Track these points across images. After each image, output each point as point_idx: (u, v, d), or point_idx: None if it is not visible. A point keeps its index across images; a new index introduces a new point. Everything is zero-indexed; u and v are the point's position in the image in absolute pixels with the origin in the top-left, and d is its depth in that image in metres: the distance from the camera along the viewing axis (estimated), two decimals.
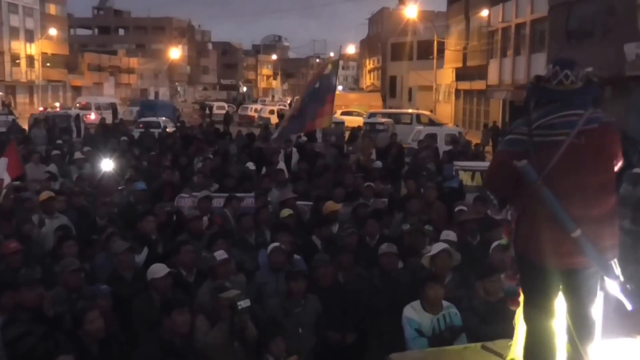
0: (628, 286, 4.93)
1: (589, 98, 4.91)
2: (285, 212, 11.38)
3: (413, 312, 7.65)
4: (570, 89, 4.87)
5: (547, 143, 4.79)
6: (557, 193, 4.75)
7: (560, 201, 4.74)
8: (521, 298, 5.33)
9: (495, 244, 8.82)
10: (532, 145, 4.81)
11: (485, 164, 16.49)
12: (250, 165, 17.24)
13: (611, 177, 5.02)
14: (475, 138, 35.49)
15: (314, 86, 18.73)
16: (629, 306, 4.92)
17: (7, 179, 12.32)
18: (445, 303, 7.80)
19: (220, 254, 8.56)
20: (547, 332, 5.05)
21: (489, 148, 32.97)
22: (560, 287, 5.00)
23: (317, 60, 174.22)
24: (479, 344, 6.35)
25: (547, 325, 5.05)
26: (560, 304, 5.06)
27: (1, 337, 6.97)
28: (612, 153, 4.98)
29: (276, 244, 9.27)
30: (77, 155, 18.50)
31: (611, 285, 4.90)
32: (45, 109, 58.36)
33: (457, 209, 11.58)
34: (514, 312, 5.74)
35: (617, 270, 4.88)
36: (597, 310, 5.14)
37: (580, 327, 4.98)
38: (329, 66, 19.35)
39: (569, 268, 4.90)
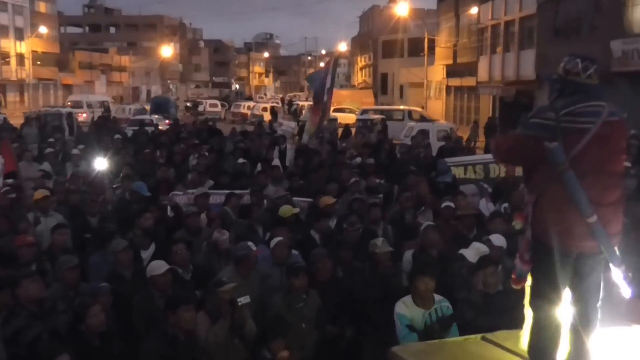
0: (630, 274, 5.06)
1: (605, 93, 5.14)
2: (287, 210, 11.39)
3: (404, 308, 7.66)
4: (595, 83, 5.09)
5: (574, 129, 4.93)
6: (579, 177, 4.88)
7: (580, 185, 4.88)
8: (528, 285, 5.45)
9: (491, 237, 8.91)
10: (560, 130, 4.94)
11: (476, 158, 16.60)
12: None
13: (622, 168, 5.23)
14: (466, 134, 35.65)
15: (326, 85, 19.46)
16: (628, 293, 5.07)
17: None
18: (437, 297, 7.81)
19: (253, 245, 8.67)
20: (552, 320, 5.16)
21: (480, 144, 33.09)
22: (571, 273, 5.11)
23: (309, 57, 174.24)
24: (479, 336, 6.39)
25: (552, 313, 5.16)
26: (566, 292, 5.17)
27: (1, 333, 7.02)
28: (624, 146, 5.21)
29: (280, 238, 9.33)
30: (75, 151, 18.59)
31: (614, 272, 5.04)
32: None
33: (443, 205, 11.73)
34: (512, 304, 5.85)
35: (620, 258, 5.04)
36: (599, 298, 5.26)
37: (584, 315, 5.11)
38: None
39: (581, 252, 5.05)
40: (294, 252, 9.68)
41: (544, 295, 5.18)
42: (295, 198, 12.68)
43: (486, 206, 12.71)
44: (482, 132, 36.90)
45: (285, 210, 11.33)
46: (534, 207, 5.17)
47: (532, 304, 5.35)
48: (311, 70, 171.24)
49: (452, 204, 11.54)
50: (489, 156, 16.04)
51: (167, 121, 39.93)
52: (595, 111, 4.98)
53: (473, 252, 8.64)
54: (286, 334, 7.40)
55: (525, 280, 5.46)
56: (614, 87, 25.43)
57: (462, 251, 8.78)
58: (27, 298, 7.38)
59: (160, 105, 53.48)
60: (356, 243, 10.09)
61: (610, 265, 5.04)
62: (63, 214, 11.83)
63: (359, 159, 18.15)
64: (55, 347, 6.60)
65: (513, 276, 5.53)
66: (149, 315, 7.72)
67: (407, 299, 7.73)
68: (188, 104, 72.14)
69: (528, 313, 5.54)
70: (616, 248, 5.03)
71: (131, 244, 9.39)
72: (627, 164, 15.50)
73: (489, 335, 6.31)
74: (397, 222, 11.92)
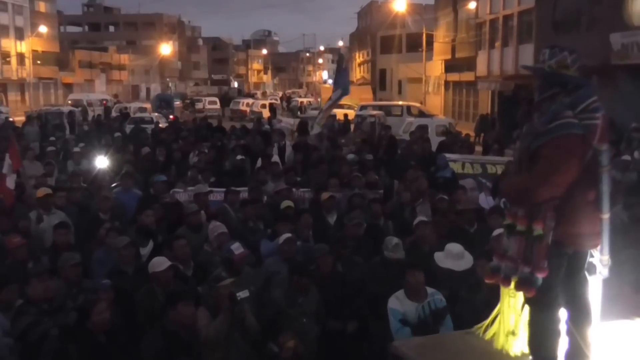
0: (610, 260, 5.13)
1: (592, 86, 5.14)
2: (285, 203, 11.54)
3: (397, 302, 7.75)
4: (578, 75, 5.08)
5: (591, 125, 4.92)
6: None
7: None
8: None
9: (496, 232, 8.94)
10: (583, 127, 4.90)
11: (474, 157, 16.65)
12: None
13: None
14: (465, 129, 35.66)
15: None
16: (604, 274, 5.16)
17: (11, 177, 12.40)
18: (430, 290, 7.91)
19: (237, 247, 8.68)
20: (553, 319, 5.17)
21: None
22: (566, 270, 5.13)
23: (307, 54, 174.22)
24: None
25: (554, 312, 5.17)
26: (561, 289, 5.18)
27: (10, 331, 7.08)
28: None
29: (289, 235, 9.41)
30: (76, 149, 18.67)
31: (598, 259, 5.13)
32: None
33: (437, 197, 11.77)
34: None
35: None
36: (594, 293, 5.30)
37: (580, 310, 5.15)
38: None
39: (588, 249, 5.12)
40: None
41: (552, 297, 5.16)
42: (295, 188, 12.83)
43: (486, 200, 12.76)
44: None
45: (283, 203, 11.53)
46: (557, 211, 4.97)
47: (530, 302, 5.30)
48: (310, 67, 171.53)
49: (445, 196, 11.62)
50: (486, 158, 16.15)
51: (171, 117, 42.71)
52: (600, 106, 5.00)
53: (444, 254, 8.71)
54: (288, 328, 7.48)
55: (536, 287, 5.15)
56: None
57: (436, 254, 8.82)
58: (35, 296, 7.47)
59: (165, 102, 57.37)
60: (360, 238, 10.18)
61: (597, 252, 5.12)
62: (71, 211, 11.90)
63: (352, 155, 18.17)
64: (62, 344, 6.70)
65: (520, 284, 5.20)
66: (152, 311, 7.78)
67: (400, 293, 7.83)
68: (187, 101, 72.59)
69: (526, 310, 5.54)
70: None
71: (133, 241, 9.44)
72: (627, 157, 15.59)
73: None
74: (396, 217, 11.97)
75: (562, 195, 4.90)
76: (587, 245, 5.09)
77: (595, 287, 5.35)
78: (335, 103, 22.71)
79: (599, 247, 5.11)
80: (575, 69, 5.06)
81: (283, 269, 8.99)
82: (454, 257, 8.65)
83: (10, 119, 38.32)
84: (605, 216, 4.96)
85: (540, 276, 5.02)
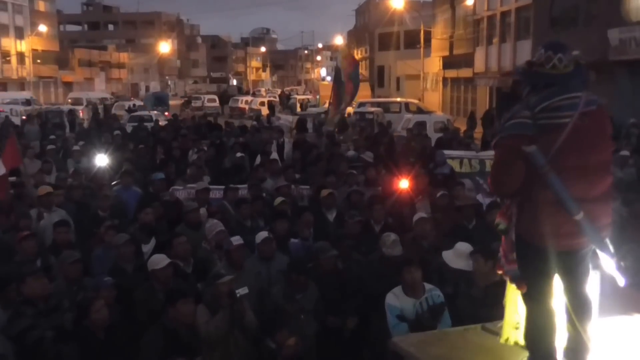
0: (622, 263, 5.10)
1: (581, 81, 4.96)
2: (278, 199, 11.59)
3: (394, 298, 7.74)
4: (563, 72, 4.88)
5: (552, 125, 4.78)
6: (561, 175, 4.77)
7: (564, 183, 4.77)
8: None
9: None
10: (538, 128, 4.78)
11: (472, 153, 16.64)
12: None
13: (610, 157, 5.15)
14: (463, 125, 35.66)
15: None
16: (622, 282, 5.03)
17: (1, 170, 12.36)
18: (428, 286, 7.90)
19: (237, 239, 8.72)
20: (546, 313, 5.13)
21: (476, 134, 33.08)
22: (557, 269, 5.06)
23: (306, 51, 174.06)
24: (479, 325, 6.39)
25: (546, 306, 5.13)
26: (557, 285, 5.14)
27: (7, 332, 7.02)
28: (609, 134, 5.08)
29: (265, 233, 9.34)
30: (76, 148, 18.70)
31: (606, 263, 4.99)
32: None
33: (439, 194, 11.79)
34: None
35: (612, 248, 4.97)
36: (592, 289, 5.26)
37: (578, 306, 5.07)
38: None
39: (568, 250, 4.98)
40: (293, 240, 9.82)
41: (535, 291, 5.16)
42: (294, 185, 12.88)
43: (483, 201, 12.77)
44: (479, 124, 36.84)
45: (276, 200, 11.59)
46: (519, 208, 5.08)
47: (525, 300, 5.31)
48: (308, 65, 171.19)
49: (446, 192, 11.65)
50: (485, 153, 16.15)
51: (166, 113, 43.08)
52: (571, 104, 4.81)
53: (453, 254, 8.64)
54: (287, 325, 7.52)
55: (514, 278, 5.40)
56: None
57: (444, 254, 8.78)
58: (31, 295, 7.45)
59: (160, 100, 57.72)
60: (359, 235, 10.20)
61: (602, 257, 4.99)
62: (68, 209, 11.92)
63: (352, 152, 18.20)
64: (59, 346, 6.73)
65: (506, 277, 5.49)
66: (151, 309, 7.79)
67: (398, 289, 7.83)
68: (185, 99, 72.83)
69: (512, 305, 5.59)
70: (607, 240, 4.96)
71: (133, 238, 9.47)
72: (626, 152, 15.60)
73: (488, 325, 6.30)
74: (396, 214, 12.00)
75: (515, 193, 5.04)
76: (559, 245, 4.95)
77: (594, 283, 5.34)
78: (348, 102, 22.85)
79: (607, 251, 4.98)
80: (551, 66, 4.91)
81: (262, 268, 8.98)
82: (465, 257, 8.51)
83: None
84: (578, 217, 4.79)
85: (512, 268, 5.30)
